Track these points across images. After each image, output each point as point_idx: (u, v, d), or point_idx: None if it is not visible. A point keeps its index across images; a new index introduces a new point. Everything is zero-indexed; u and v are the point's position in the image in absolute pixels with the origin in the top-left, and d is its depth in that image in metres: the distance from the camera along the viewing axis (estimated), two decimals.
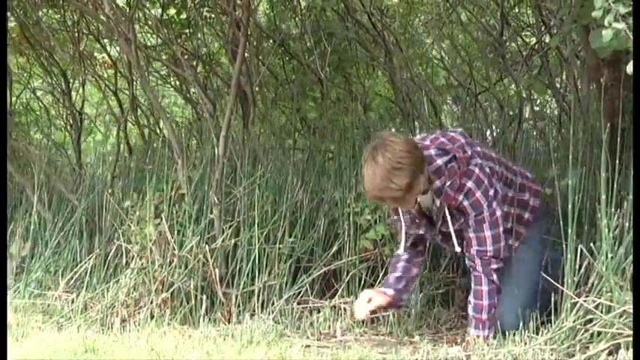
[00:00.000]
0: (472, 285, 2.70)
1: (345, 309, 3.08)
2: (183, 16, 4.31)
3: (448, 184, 2.58)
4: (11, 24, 4.29)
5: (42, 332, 2.92)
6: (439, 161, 2.60)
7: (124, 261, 3.34)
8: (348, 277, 3.18)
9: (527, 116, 4.22)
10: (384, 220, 3.22)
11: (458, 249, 2.68)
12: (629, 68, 1.98)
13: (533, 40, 4.43)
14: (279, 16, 4.38)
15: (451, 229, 2.67)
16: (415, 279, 2.93)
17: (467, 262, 2.72)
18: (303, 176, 3.50)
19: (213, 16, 4.17)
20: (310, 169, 3.61)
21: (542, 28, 4.01)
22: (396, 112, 4.59)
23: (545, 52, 3.99)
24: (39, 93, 5.04)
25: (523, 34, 4.66)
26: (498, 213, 2.64)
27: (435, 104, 4.24)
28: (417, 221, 2.76)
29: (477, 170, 2.61)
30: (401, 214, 2.76)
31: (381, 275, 3.14)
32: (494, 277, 2.67)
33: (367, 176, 2.51)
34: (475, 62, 4.68)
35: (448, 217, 2.65)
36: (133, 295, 3.18)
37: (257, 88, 4.07)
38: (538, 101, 4.15)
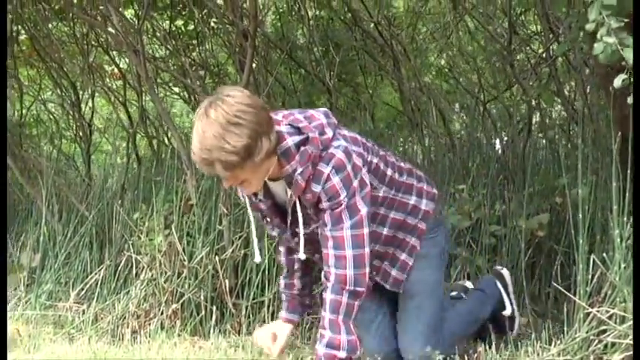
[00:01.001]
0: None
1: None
2: (191, 27, 4.33)
3: (299, 170, 2.09)
4: (22, 37, 4.32)
5: (53, 344, 2.93)
6: (289, 141, 2.09)
7: (134, 272, 3.34)
8: None
9: (536, 125, 4.21)
10: None
11: (303, 256, 2.25)
12: (617, 82, 2.01)
13: (542, 48, 4.43)
14: (287, 27, 4.39)
15: (300, 229, 2.18)
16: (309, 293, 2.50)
17: (322, 278, 2.20)
18: None
19: (220, 26, 4.19)
20: None
21: (550, 36, 4.01)
22: (404, 122, 4.59)
23: (554, 61, 3.99)
24: (49, 105, 5.06)
25: (531, 42, 4.66)
26: (363, 211, 2.12)
27: (444, 113, 4.24)
28: (269, 219, 2.31)
29: (338, 153, 2.10)
30: (248, 205, 2.29)
31: None
32: (347, 300, 2.15)
33: (196, 135, 1.98)
34: (483, 71, 4.68)
35: (299, 213, 2.15)
36: (143, 306, 3.18)
37: (265, 98, 4.08)
38: (548, 110, 4.14)
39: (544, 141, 4.05)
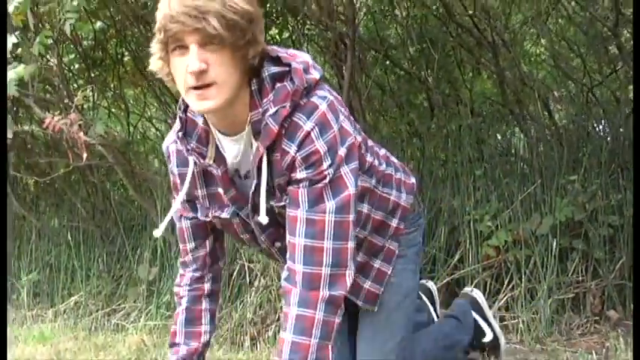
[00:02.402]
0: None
1: None
2: (286, 35, 4.38)
3: (272, 111, 1.57)
4: (125, 58, 4.49)
5: None
6: (264, 71, 1.61)
7: (248, 280, 3.42)
8: (473, 286, 3.13)
9: None
10: (505, 226, 3.15)
11: (265, 219, 1.63)
12: None
13: None
14: (380, 26, 4.38)
15: (262, 191, 1.62)
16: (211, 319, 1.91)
17: (282, 282, 1.66)
18: (419, 185, 3.48)
19: (315, 32, 4.22)
20: (427, 177, 3.58)
21: None
22: (504, 114, 4.49)
23: None
24: (154, 121, 5.25)
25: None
26: (352, 190, 1.61)
27: (547, 102, 4.12)
28: (220, 191, 1.71)
29: (323, 106, 1.59)
30: (189, 177, 1.71)
31: (505, 282, 3.08)
32: (322, 314, 1.58)
33: None
34: (588, 55, 4.52)
35: (263, 171, 1.61)
36: (259, 313, 3.25)
37: (365, 103, 4.08)
38: None
39: None
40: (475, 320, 2.35)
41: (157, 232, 1.73)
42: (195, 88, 1.52)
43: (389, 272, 1.91)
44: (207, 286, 1.90)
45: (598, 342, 2.73)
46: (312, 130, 1.57)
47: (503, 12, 4.55)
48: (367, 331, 1.93)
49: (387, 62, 4.37)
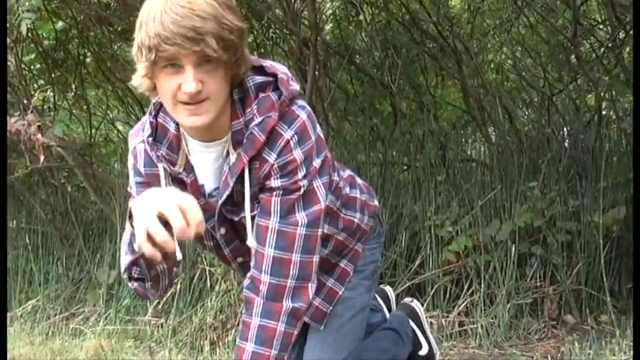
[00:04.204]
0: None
1: (431, 323, 3.05)
2: (250, 38, 4.38)
3: (258, 120, 1.55)
4: (88, 59, 4.44)
5: (136, 358, 2.99)
6: (248, 81, 1.58)
7: (209, 284, 3.39)
8: (433, 291, 3.15)
9: (606, 115, 4.10)
10: (465, 231, 3.18)
11: (254, 243, 1.60)
12: None
13: (606, 38, 4.32)
14: (346, 32, 4.39)
15: (247, 206, 1.59)
16: None
17: (245, 290, 1.63)
18: (381, 190, 3.49)
19: (280, 36, 4.22)
20: (389, 182, 3.60)
21: (617, 25, 3.90)
22: (468, 121, 4.53)
23: (620, 50, 3.88)
24: (116, 123, 5.19)
25: (594, 32, 4.54)
26: (322, 204, 1.61)
27: (509, 110, 4.17)
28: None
29: (302, 115, 1.58)
30: (163, 182, 1.62)
31: (465, 287, 3.11)
32: (284, 326, 1.59)
33: (178, 2, 1.44)
34: (548, 64, 4.59)
35: (246, 183, 1.58)
36: (219, 317, 3.23)
37: (328, 106, 4.09)
38: (617, 100, 4.02)
39: (615, 132, 3.94)
40: (413, 331, 2.29)
41: (178, 255, 1.51)
42: (187, 103, 1.50)
43: (340, 292, 1.86)
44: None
45: (554, 346, 2.76)
46: (291, 138, 1.56)
47: (467, 21, 4.60)
48: (315, 345, 1.87)
49: (352, 67, 4.39)
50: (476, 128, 4.18)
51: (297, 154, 1.56)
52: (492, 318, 2.97)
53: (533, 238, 3.19)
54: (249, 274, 1.62)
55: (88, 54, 4.43)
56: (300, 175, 1.57)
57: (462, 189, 3.43)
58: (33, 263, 4.12)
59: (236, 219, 1.64)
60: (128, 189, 1.78)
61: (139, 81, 1.54)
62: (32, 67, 4.32)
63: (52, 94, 4.30)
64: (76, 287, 4.01)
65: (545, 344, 2.87)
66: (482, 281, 3.06)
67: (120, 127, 5.08)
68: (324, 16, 4.37)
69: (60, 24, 4.08)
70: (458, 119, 4.52)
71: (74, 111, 4.76)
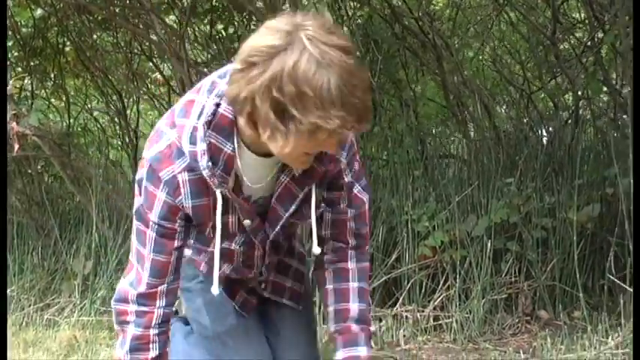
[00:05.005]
0: (340, 284, 1.76)
1: (407, 317, 3.06)
2: (231, 30, 4.36)
3: None
4: (67, 48, 4.41)
5: (110, 349, 2.98)
6: None
7: None
8: (409, 285, 3.17)
9: (582, 114, 4.14)
10: (442, 226, 3.19)
11: (317, 250, 1.68)
12: None
13: (586, 36, 4.35)
14: None
15: (313, 212, 1.64)
16: None
17: (327, 255, 1.76)
18: None
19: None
20: (367, 176, 3.60)
21: (595, 24, 3.93)
22: (448, 117, 4.55)
23: (599, 49, 3.91)
24: (95, 114, 5.16)
25: (574, 31, 4.58)
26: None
27: (488, 106, 4.19)
28: (237, 223, 1.64)
29: None
30: (220, 210, 1.56)
31: (441, 282, 3.12)
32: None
33: (353, 78, 1.32)
34: (527, 62, 4.62)
35: (314, 189, 1.62)
36: None
37: None
38: (595, 99, 4.06)
39: (591, 131, 3.98)
40: None
41: (215, 290, 1.64)
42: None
43: (304, 272, 1.94)
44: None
45: (527, 341, 2.79)
46: (353, 139, 1.65)
47: (450, 17, 4.62)
48: (294, 338, 1.94)
49: None
50: (455, 124, 4.20)
51: (354, 144, 1.65)
52: (467, 313, 2.98)
53: (508, 233, 3.21)
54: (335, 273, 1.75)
55: (68, 43, 4.40)
56: (357, 164, 1.70)
57: (439, 184, 3.45)
58: (8, 253, 4.09)
59: (296, 219, 1.70)
60: (137, 225, 1.62)
61: (246, 127, 1.43)
62: (10, 54, 4.28)
63: (29, 82, 4.25)
64: (51, 278, 3.98)
65: (518, 339, 2.89)
66: (458, 276, 3.07)
67: (98, 117, 5.05)
68: (305, 10, 4.36)
69: (39, 11, 4.04)
70: (437, 115, 4.54)
71: (53, 100, 4.72)
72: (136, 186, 1.60)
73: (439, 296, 3.10)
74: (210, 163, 1.48)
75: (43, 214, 4.33)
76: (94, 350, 2.94)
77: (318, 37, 1.31)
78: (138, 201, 1.60)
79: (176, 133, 1.51)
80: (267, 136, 1.37)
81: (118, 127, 4.94)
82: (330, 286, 1.76)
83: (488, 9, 4.53)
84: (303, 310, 1.94)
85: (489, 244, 3.06)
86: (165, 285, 1.62)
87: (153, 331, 1.63)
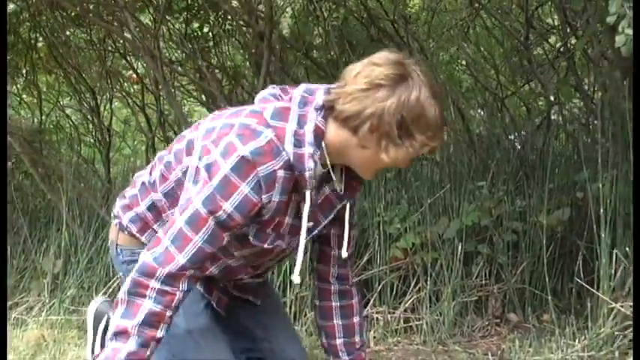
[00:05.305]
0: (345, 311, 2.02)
1: (377, 318, 3.07)
2: (206, 29, 4.35)
3: None
4: (40, 44, 4.36)
5: (78, 348, 2.95)
6: None
7: None
8: (380, 287, 3.17)
9: (554, 120, 4.18)
10: (414, 228, 3.20)
11: (345, 253, 1.94)
12: None
13: (559, 42, 4.40)
14: (303, 27, 4.39)
15: (346, 228, 1.89)
16: None
17: (334, 279, 1.99)
18: None
19: (236, 29, 4.20)
20: None
21: (568, 30, 3.98)
22: None
23: (572, 55, 3.95)
24: (68, 111, 5.11)
25: (548, 36, 4.63)
26: None
27: (462, 110, 4.22)
28: (288, 221, 1.81)
29: None
30: (307, 208, 1.75)
31: (412, 284, 3.13)
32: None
33: (439, 113, 1.67)
34: (501, 67, 4.65)
35: (348, 209, 1.88)
36: None
37: None
38: (567, 104, 4.11)
39: (563, 136, 4.02)
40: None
41: (296, 279, 1.81)
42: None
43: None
44: None
45: (496, 344, 2.80)
46: None
47: (426, 21, 4.64)
48: (281, 325, 2.11)
49: (308, 62, 4.39)
50: None
51: None
52: (437, 315, 3.00)
53: (479, 236, 3.23)
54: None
55: (40, 38, 4.35)
56: None
57: (411, 186, 3.46)
58: None
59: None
60: (198, 208, 1.68)
61: (340, 138, 1.69)
62: None
63: None
64: (20, 276, 3.93)
65: (487, 341, 2.91)
66: (429, 278, 3.08)
67: (71, 114, 5.00)
68: (281, 10, 4.37)
69: (11, 6, 3.99)
70: None
71: (24, 96, 4.67)
72: (203, 171, 1.66)
73: (410, 298, 3.11)
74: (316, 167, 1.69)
75: (13, 211, 4.28)
76: (62, 350, 2.91)
77: (426, 75, 1.65)
78: (205, 186, 1.66)
79: (273, 133, 1.66)
80: (382, 146, 1.65)
81: (90, 125, 4.90)
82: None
83: (464, 13, 4.56)
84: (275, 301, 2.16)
85: (460, 247, 3.07)
86: (194, 271, 1.70)
87: (168, 313, 1.68)
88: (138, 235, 1.93)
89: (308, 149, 1.66)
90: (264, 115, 1.69)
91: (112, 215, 2.07)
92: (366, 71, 1.65)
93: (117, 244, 2.00)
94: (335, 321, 1.99)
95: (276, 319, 2.12)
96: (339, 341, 1.99)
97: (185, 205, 1.68)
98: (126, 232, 1.96)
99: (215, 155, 1.65)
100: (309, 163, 1.66)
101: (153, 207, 1.90)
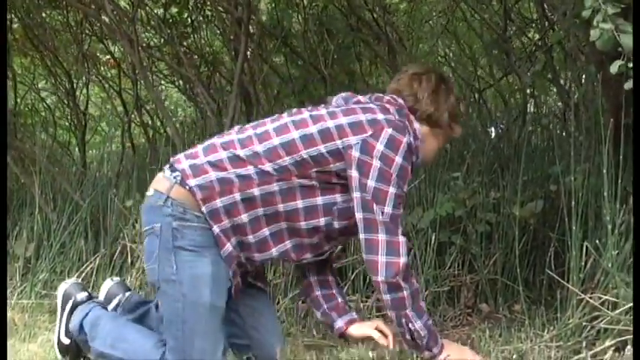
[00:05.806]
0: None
1: (350, 306, 3.07)
2: (185, 15, 4.32)
3: None
4: (15, 25, 4.30)
5: (49, 332, 2.93)
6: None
7: (130, 261, 3.34)
8: (354, 275, 3.18)
9: (531, 113, 4.21)
10: None
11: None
12: (614, 68, 1.99)
13: (537, 36, 4.42)
14: (282, 14, 4.37)
15: None
16: None
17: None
18: None
19: (214, 14, 4.17)
20: None
21: (546, 24, 4.00)
22: None
23: (549, 49, 3.97)
24: (43, 94, 5.05)
25: (527, 30, 4.65)
26: None
27: None
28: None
29: None
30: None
31: None
32: None
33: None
34: (480, 59, 4.67)
35: None
36: (139, 294, 3.18)
37: (260, 87, 4.07)
38: (543, 97, 4.14)
39: (539, 129, 4.05)
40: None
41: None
42: None
43: None
44: None
45: (467, 333, 2.82)
46: None
47: (405, 11, 4.64)
48: (266, 311, 2.32)
49: (287, 50, 4.37)
50: None
51: None
52: None
53: (453, 227, 3.24)
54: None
55: (15, 20, 4.29)
56: None
57: None
58: None
59: None
60: (398, 192, 2.10)
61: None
62: None
63: None
64: None
65: (459, 331, 2.93)
66: None
67: (46, 97, 4.95)
68: None
69: None
70: None
71: None
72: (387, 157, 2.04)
73: None
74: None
75: None
76: (33, 333, 2.89)
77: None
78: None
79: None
80: (441, 134, 2.25)
81: (67, 109, 4.85)
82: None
83: (443, 4, 4.56)
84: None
85: (434, 237, 3.09)
86: None
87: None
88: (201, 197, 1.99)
89: (400, 120, 2.19)
90: (375, 110, 2.19)
91: (168, 168, 2.08)
92: (426, 81, 2.27)
93: (168, 196, 2.01)
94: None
95: (266, 307, 2.33)
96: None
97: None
98: (186, 188, 1.99)
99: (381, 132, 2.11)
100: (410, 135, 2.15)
101: (244, 177, 2.00)
